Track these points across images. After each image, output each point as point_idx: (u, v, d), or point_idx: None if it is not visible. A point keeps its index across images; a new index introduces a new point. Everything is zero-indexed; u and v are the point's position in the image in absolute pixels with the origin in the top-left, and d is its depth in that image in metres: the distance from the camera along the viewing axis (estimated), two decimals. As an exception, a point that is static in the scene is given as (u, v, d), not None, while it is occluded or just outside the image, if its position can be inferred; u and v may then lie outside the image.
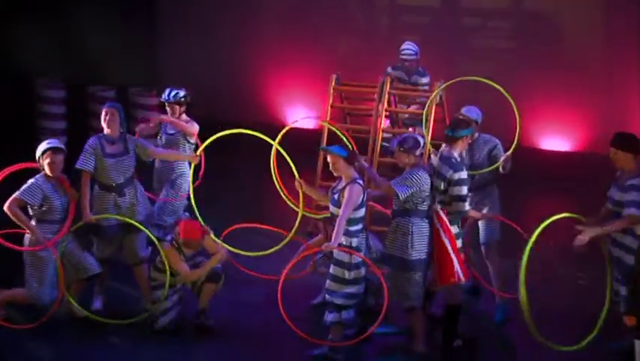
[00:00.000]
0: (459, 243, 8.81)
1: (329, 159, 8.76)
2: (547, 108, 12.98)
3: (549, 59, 12.18)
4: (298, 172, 9.14)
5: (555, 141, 13.51)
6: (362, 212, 8.67)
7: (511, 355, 8.55)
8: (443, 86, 10.59)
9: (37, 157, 9.26)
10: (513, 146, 9.40)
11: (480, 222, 9.52)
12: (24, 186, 9.18)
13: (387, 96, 11.55)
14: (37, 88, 14.18)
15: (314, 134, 12.38)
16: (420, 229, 8.76)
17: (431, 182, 8.74)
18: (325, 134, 11.53)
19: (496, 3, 14.01)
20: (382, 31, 14.58)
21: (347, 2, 14.59)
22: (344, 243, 8.61)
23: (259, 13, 14.79)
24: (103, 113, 9.77)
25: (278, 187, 9.58)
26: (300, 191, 9.08)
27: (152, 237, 9.42)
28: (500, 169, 9.41)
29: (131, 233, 9.62)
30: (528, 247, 8.32)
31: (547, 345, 8.35)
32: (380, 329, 9.00)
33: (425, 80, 12.10)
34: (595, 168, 11.97)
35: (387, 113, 11.75)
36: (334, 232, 8.49)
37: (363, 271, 8.67)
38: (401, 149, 8.79)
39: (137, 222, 9.54)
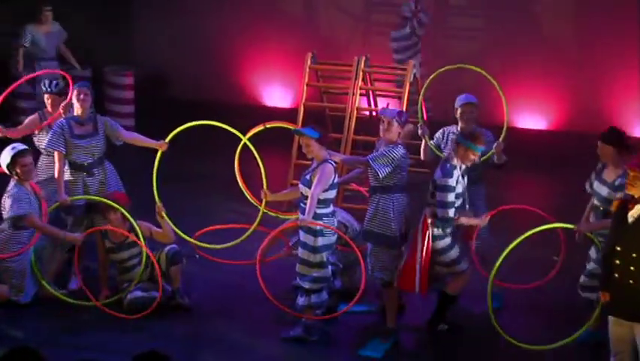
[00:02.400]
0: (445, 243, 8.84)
1: (301, 140, 8.77)
2: (523, 87, 13.04)
3: (524, 38, 12.23)
4: (266, 168, 9.23)
5: (531, 119, 13.56)
6: (332, 194, 8.69)
7: (492, 344, 8.53)
8: (433, 75, 10.46)
9: (5, 167, 9.15)
10: (503, 134, 9.36)
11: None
12: (13, 202, 9.09)
13: (362, 74, 11.57)
14: (10, 67, 14.13)
15: (291, 114, 12.39)
16: (400, 204, 8.79)
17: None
18: (301, 116, 11.54)
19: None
20: (358, 10, 14.57)
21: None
22: (308, 225, 8.61)
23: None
24: (76, 92, 9.69)
25: (241, 185, 9.64)
26: (264, 200, 9.13)
27: (124, 212, 9.33)
28: (495, 160, 9.33)
29: (98, 211, 9.57)
30: (503, 255, 8.51)
31: (513, 343, 8.44)
32: (353, 308, 9.08)
33: None
34: (570, 146, 12.07)
35: (363, 91, 11.77)
36: (307, 206, 8.51)
37: (326, 255, 8.70)
38: (399, 120, 8.80)
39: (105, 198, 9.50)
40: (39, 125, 9.95)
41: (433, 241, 8.74)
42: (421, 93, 10.64)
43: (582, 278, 8.86)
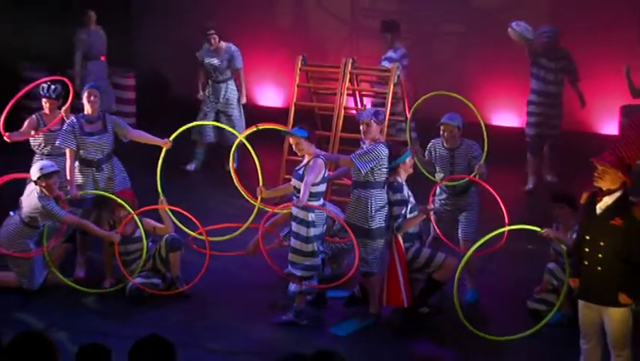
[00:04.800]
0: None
1: (291, 140, 8.80)
2: (497, 86, 13.04)
3: (498, 41, 12.24)
4: (261, 165, 9.26)
5: (506, 116, 13.57)
6: (323, 187, 8.73)
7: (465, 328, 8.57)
8: (424, 97, 10.51)
9: (33, 179, 9.24)
10: (484, 156, 9.37)
11: (460, 221, 9.48)
12: (53, 206, 9.17)
13: (349, 76, 11.60)
14: (20, 70, 14.13)
15: (283, 113, 12.42)
16: (379, 199, 8.81)
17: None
18: (292, 115, 11.56)
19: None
20: (346, 16, 14.57)
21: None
22: (301, 217, 8.66)
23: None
24: (86, 93, 9.73)
25: (235, 182, 9.60)
26: (260, 196, 9.13)
27: (129, 208, 9.39)
28: (477, 177, 9.29)
29: (107, 205, 9.59)
30: (467, 254, 8.59)
31: (479, 334, 8.44)
32: (338, 293, 9.14)
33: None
34: (543, 143, 12.08)
35: (350, 91, 11.79)
36: (301, 192, 8.54)
37: (317, 244, 8.74)
38: (376, 120, 8.84)
39: (111, 194, 9.54)
40: (37, 128, 9.94)
41: (405, 253, 8.82)
42: (410, 114, 10.71)
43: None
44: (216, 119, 12.62)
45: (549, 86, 11.86)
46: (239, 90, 12.83)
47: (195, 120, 12.47)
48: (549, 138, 12.16)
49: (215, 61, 12.67)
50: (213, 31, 12.58)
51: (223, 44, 12.63)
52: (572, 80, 12.03)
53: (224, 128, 12.20)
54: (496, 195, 9.49)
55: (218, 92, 12.74)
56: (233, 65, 12.73)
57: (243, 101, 12.88)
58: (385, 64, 12.13)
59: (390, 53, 12.35)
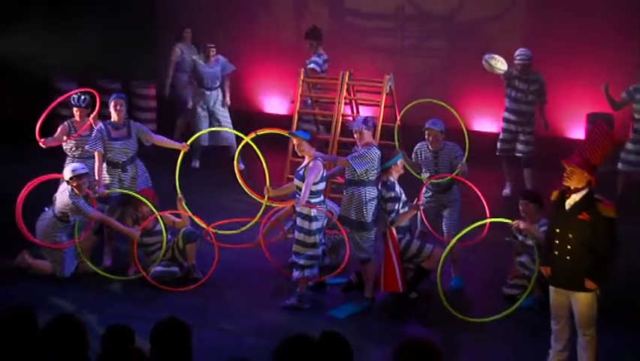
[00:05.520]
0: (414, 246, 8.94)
1: (295, 141, 8.84)
2: (477, 95, 13.02)
3: (478, 55, 12.23)
4: (269, 169, 9.24)
5: (484, 122, 13.56)
6: (322, 186, 8.75)
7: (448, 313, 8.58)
8: (411, 104, 10.56)
9: (67, 179, 9.27)
10: (465, 156, 9.42)
11: (444, 216, 9.50)
12: (82, 203, 9.20)
13: (346, 87, 11.61)
14: (54, 83, 14.13)
15: (287, 120, 12.43)
16: (371, 196, 8.83)
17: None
18: (295, 121, 11.57)
19: (434, 10, 14.01)
20: (342, 33, 14.56)
21: (319, 14, 14.56)
22: (305, 212, 8.68)
23: (245, 16, 14.72)
24: (113, 102, 9.75)
25: (240, 183, 9.57)
26: (266, 195, 9.11)
27: (150, 205, 9.42)
28: (460, 174, 9.32)
29: (131, 203, 9.62)
30: (450, 245, 8.64)
31: (460, 318, 8.45)
32: (336, 280, 9.16)
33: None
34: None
35: (347, 100, 11.81)
36: (302, 192, 8.58)
37: (319, 237, 8.75)
38: (366, 127, 8.86)
39: (135, 192, 9.56)
40: (69, 134, 9.97)
41: (398, 243, 8.83)
42: (398, 119, 10.74)
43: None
44: (210, 123, 12.73)
45: (521, 105, 11.56)
46: (224, 95, 12.88)
47: (193, 126, 12.59)
48: (522, 154, 11.75)
49: (211, 71, 12.73)
50: (214, 45, 12.73)
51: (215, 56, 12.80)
52: (540, 103, 11.67)
53: (218, 131, 12.44)
54: (477, 190, 9.54)
55: (210, 98, 12.77)
56: (225, 72, 12.87)
57: (228, 103, 12.95)
58: (312, 66, 12.31)
59: (315, 58, 12.47)
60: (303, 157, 8.93)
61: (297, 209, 8.74)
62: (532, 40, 12.95)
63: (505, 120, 11.72)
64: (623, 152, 11.31)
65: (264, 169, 9.27)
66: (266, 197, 9.15)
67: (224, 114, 12.87)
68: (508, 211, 9.27)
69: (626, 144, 11.34)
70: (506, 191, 11.94)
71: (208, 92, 12.79)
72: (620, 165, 11.32)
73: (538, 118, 11.76)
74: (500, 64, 11.11)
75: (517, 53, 11.45)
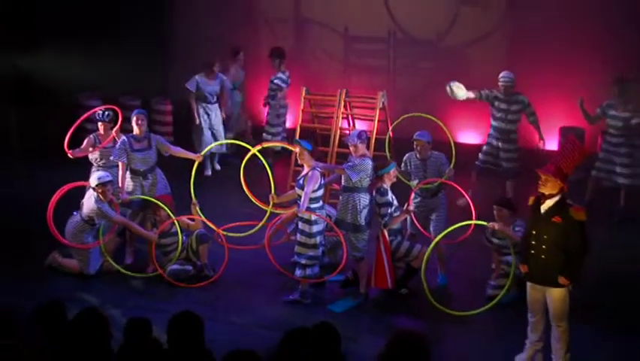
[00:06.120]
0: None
1: (297, 149, 8.85)
2: (461, 111, 13.01)
3: (462, 74, 12.24)
4: (274, 178, 9.27)
5: (468, 135, 13.56)
6: (320, 193, 8.76)
7: (435, 307, 8.58)
8: (402, 117, 10.60)
9: (93, 186, 9.30)
10: (452, 163, 9.46)
11: (432, 220, 9.49)
12: (107, 208, 9.25)
13: (343, 103, 11.63)
14: (81, 100, 14.15)
15: (290, 133, 12.47)
16: (364, 201, 8.85)
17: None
18: (298, 134, 11.59)
19: (423, 36, 14.02)
20: (340, 54, 14.58)
21: (321, 36, 14.58)
22: (306, 217, 8.69)
23: (251, 39, 14.74)
24: (135, 117, 9.79)
25: (246, 192, 9.57)
26: (272, 202, 9.12)
27: (168, 211, 9.43)
28: (447, 179, 9.34)
29: (150, 207, 9.64)
30: (432, 246, 8.65)
31: (445, 311, 8.46)
32: (335, 278, 9.17)
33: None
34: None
35: (344, 115, 11.82)
36: (302, 200, 8.60)
37: (319, 239, 8.77)
38: (360, 139, 8.89)
39: (154, 198, 9.59)
40: (94, 145, 10.00)
41: (390, 245, 8.85)
42: (389, 129, 10.77)
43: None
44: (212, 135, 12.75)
45: (501, 123, 11.35)
46: (221, 109, 12.88)
47: (197, 138, 12.65)
48: (506, 168, 11.52)
49: (212, 87, 12.72)
50: (218, 62, 12.74)
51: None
52: (530, 122, 11.36)
53: (216, 140, 12.47)
54: (464, 192, 9.58)
55: (211, 112, 12.74)
56: (224, 87, 12.87)
57: (223, 117, 12.95)
58: (277, 82, 12.54)
59: (280, 75, 12.61)
60: (302, 165, 8.95)
61: (299, 213, 8.77)
62: (511, 61, 12.97)
63: (489, 135, 11.59)
64: (597, 161, 11.28)
65: (269, 178, 9.28)
66: (271, 204, 9.16)
67: (219, 128, 12.84)
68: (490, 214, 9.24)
69: (600, 153, 11.32)
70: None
71: (209, 107, 12.81)
72: (592, 172, 11.31)
73: (524, 134, 11.62)
74: (458, 90, 11.04)
75: (500, 75, 11.32)
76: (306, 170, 8.79)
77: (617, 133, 11.05)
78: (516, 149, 11.49)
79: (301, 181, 8.74)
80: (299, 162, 8.93)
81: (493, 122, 11.44)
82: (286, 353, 4.90)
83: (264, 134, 12.81)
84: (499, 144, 11.47)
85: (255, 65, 14.29)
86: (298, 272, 8.87)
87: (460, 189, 9.61)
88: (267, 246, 9.12)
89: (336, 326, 5.03)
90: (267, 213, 9.30)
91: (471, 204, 9.40)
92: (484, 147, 11.65)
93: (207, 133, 12.74)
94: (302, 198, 8.60)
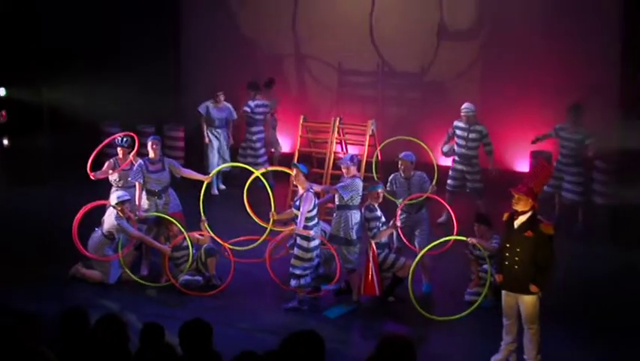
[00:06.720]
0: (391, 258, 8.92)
1: (294, 172, 8.86)
2: (442, 135, 13.00)
3: (446, 104, 12.30)
4: (274, 198, 9.24)
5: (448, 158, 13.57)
6: (314, 212, 8.76)
7: (418, 313, 8.57)
8: (390, 140, 10.69)
9: (113, 204, 9.32)
10: (434, 180, 9.49)
11: (416, 235, 9.47)
12: (126, 224, 9.26)
13: (337, 129, 11.66)
14: (102, 127, 14.17)
15: (289, 156, 12.48)
16: (356, 217, 8.87)
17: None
18: (296, 157, 11.60)
19: (407, 69, 14.09)
20: (334, 86, 14.63)
21: (318, 70, 14.64)
22: (303, 235, 8.69)
23: (258, 71, 14.78)
24: (150, 142, 9.79)
25: (249, 211, 9.48)
26: (272, 219, 9.08)
27: (179, 226, 9.44)
28: (431, 192, 9.36)
29: (164, 223, 9.64)
30: (417, 258, 8.65)
31: (429, 317, 8.46)
32: (329, 287, 9.17)
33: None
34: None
35: (338, 140, 11.85)
36: (298, 220, 8.62)
37: (314, 253, 8.78)
38: (352, 162, 8.92)
39: (167, 215, 9.59)
40: (114, 168, 10.02)
41: (377, 257, 8.85)
42: (378, 149, 10.82)
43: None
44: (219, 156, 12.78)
45: (462, 149, 11.26)
46: (228, 135, 12.91)
47: (208, 159, 12.69)
48: (473, 189, 11.42)
49: (220, 114, 12.74)
50: (222, 93, 12.78)
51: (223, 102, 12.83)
52: (487, 152, 11.27)
53: (223, 162, 12.47)
54: (447, 206, 9.62)
55: (219, 136, 12.77)
56: (230, 116, 12.88)
57: (231, 142, 12.98)
58: (245, 108, 12.79)
59: (249, 102, 12.81)
60: (297, 186, 8.95)
61: (297, 231, 8.76)
62: (486, 93, 13.08)
63: (455, 161, 11.48)
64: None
65: (269, 198, 9.30)
66: (271, 221, 9.15)
67: (226, 151, 12.87)
68: (465, 229, 9.28)
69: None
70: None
71: (217, 131, 12.83)
72: (544, 188, 11.30)
73: (486, 160, 11.47)
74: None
75: (462, 106, 11.21)
76: (300, 191, 8.81)
77: (568, 153, 11.11)
78: (479, 171, 11.39)
79: (297, 202, 8.76)
80: (294, 183, 8.93)
81: (456, 149, 11.35)
82: (286, 354, 4.90)
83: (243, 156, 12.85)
84: (463, 167, 11.38)
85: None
86: (293, 282, 8.85)
87: (444, 202, 9.67)
88: (267, 261, 9.09)
89: (322, 334, 5.01)
90: (267, 230, 9.30)
91: (454, 219, 9.40)
92: (451, 172, 11.51)
93: (214, 156, 12.77)
94: (298, 218, 8.61)
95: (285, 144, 14.53)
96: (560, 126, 11.21)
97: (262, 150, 13.07)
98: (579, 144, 11.04)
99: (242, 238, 9.92)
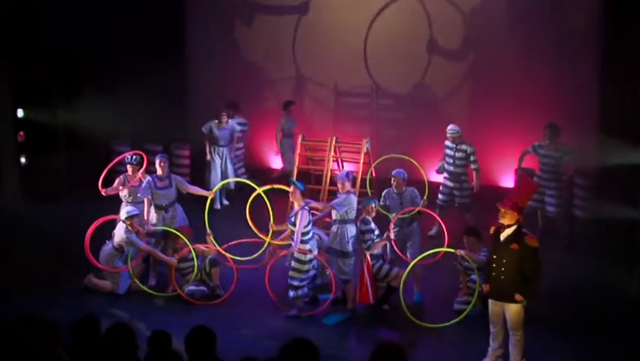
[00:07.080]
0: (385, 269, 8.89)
1: (291, 188, 8.86)
2: (433, 153, 12.97)
3: (436, 124, 12.31)
4: (274, 212, 9.27)
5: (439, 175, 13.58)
6: (310, 228, 8.76)
7: (411, 320, 8.55)
8: (383, 157, 10.72)
9: (123, 219, 9.31)
10: (425, 196, 9.51)
11: (408, 247, 9.48)
12: (135, 238, 9.27)
13: (334, 148, 11.67)
14: (113, 146, 14.17)
15: (289, 174, 12.45)
16: (352, 231, 8.87)
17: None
18: (295, 174, 11.60)
19: (400, 91, 14.12)
20: (331, 106, 14.65)
21: (316, 92, 14.66)
22: (301, 247, 8.70)
23: (258, 94, 14.81)
24: (158, 160, 9.81)
25: (251, 225, 9.46)
26: (271, 231, 9.10)
27: (185, 240, 9.42)
28: (423, 206, 9.41)
29: (170, 236, 9.64)
30: (408, 269, 8.63)
31: (420, 324, 8.44)
32: (327, 296, 9.14)
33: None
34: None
35: (334, 158, 11.86)
36: (295, 239, 8.61)
37: (312, 265, 8.78)
38: (347, 179, 8.92)
39: (174, 229, 9.57)
40: (124, 184, 10.01)
41: (372, 267, 8.83)
42: (372, 166, 10.83)
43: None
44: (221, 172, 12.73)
45: (450, 167, 11.21)
46: (231, 151, 12.86)
47: (210, 175, 12.64)
48: (461, 204, 11.31)
49: (223, 132, 12.72)
50: (225, 113, 12.76)
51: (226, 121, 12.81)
52: (473, 169, 11.19)
53: (226, 178, 12.29)
54: (439, 219, 9.63)
55: (221, 153, 12.73)
56: (234, 134, 12.89)
57: (233, 157, 12.96)
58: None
59: (231, 121, 12.79)
60: (293, 202, 8.94)
61: (294, 250, 8.75)
62: (474, 114, 13.10)
63: (445, 178, 11.42)
64: None
65: (269, 212, 9.29)
66: (270, 233, 9.13)
67: (230, 168, 12.85)
68: (454, 241, 9.28)
69: None
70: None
71: (220, 149, 12.83)
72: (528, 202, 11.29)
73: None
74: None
75: (448, 128, 11.16)
76: (296, 208, 8.80)
77: (548, 170, 11.12)
78: (467, 188, 11.32)
79: (292, 219, 8.75)
80: (291, 199, 8.92)
81: (446, 167, 11.32)
82: (285, 359, 4.89)
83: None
84: (452, 184, 11.32)
85: (260, 115, 14.37)
86: (291, 293, 8.85)
87: (436, 216, 9.65)
88: (267, 278, 9.04)
89: (320, 340, 5.00)
90: (266, 243, 9.29)
91: (445, 231, 9.40)
92: (441, 188, 11.47)
93: (217, 173, 12.76)
94: (295, 237, 8.60)
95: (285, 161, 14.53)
96: (538, 144, 11.24)
97: (239, 164, 13.17)
98: (558, 161, 11.05)
99: (239, 242, 9.90)
